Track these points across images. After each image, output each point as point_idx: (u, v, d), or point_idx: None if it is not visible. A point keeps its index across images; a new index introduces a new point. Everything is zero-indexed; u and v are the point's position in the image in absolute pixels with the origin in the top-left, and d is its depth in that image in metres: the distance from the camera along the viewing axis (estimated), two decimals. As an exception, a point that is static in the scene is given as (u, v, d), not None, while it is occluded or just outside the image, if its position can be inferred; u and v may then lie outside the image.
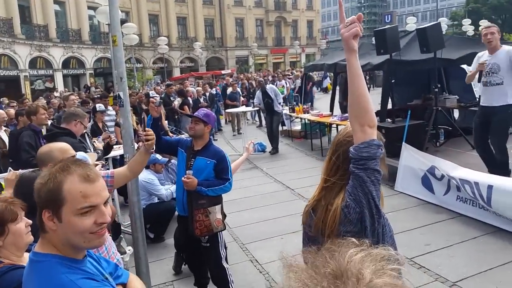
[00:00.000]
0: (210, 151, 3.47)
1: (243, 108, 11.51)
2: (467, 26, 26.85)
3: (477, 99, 7.54)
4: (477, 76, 5.17)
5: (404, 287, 0.65)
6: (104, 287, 1.31)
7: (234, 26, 42.94)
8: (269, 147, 10.02)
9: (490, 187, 4.57)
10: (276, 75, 20.21)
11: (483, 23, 30.10)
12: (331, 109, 10.26)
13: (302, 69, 19.39)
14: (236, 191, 5.23)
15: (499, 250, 4.18)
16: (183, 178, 3.32)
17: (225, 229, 3.51)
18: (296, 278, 0.67)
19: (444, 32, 26.50)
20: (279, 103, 9.92)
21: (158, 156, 5.31)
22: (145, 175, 5.09)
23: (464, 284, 3.64)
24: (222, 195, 3.51)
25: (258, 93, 10.34)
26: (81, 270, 1.29)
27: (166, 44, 26.79)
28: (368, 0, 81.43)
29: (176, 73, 37.30)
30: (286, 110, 11.14)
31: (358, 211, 1.43)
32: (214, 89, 15.35)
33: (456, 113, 9.13)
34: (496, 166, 5.27)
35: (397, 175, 6.29)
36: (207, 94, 13.72)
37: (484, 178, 4.81)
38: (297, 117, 11.17)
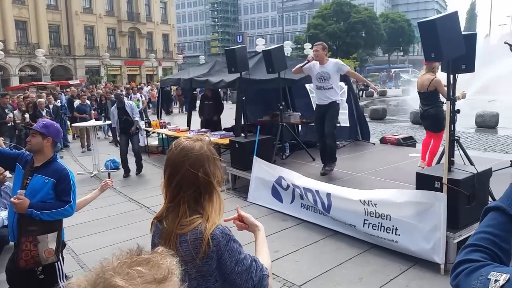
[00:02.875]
0: (50, 168, 3.06)
1: (92, 122, 10.74)
2: (308, 50, 30.13)
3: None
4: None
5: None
6: None
7: (83, 34, 40.03)
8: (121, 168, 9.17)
9: (328, 194, 5.14)
10: (131, 88, 19.42)
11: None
12: (188, 124, 10.32)
13: (159, 83, 19.09)
14: (84, 213, 4.82)
15: (336, 251, 4.70)
16: (11, 199, 2.87)
17: (58, 260, 3.11)
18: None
19: (289, 54, 29.33)
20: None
21: (-14, 179, 4.58)
22: (-32, 202, 4.33)
23: (308, 286, 3.98)
24: (64, 220, 3.13)
25: (114, 110, 8.82)
26: None
27: (1, 50, 23.60)
28: (221, 20, 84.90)
29: (15, 82, 32.99)
30: (142, 125, 10.78)
31: None
32: (59, 100, 14.06)
33: (299, 128, 10.06)
34: (328, 157, 6.38)
35: (250, 187, 6.61)
36: (51, 106, 12.47)
37: (324, 186, 5.38)
38: (153, 132, 10.93)
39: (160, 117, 11.71)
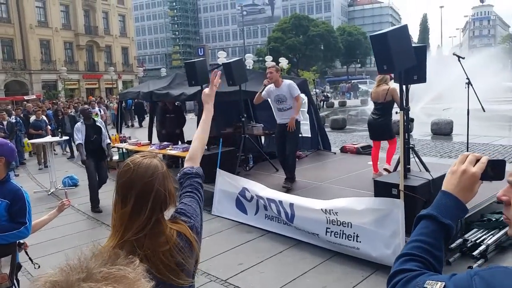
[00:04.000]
0: (4, 189, 2.91)
1: (48, 138, 10.35)
2: (269, 62, 30.57)
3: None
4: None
5: None
6: None
7: (39, 48, 38.77)
8: (79, 192, 8.97)
9: (292, 205, 5.19)
10: (89, 102, 18.92)
11: (282, 60, 34.62)
12: (149, 138, 10.15)
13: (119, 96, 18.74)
14: (40, 232, 4.58)
15: (300, 261, 4.73)
16: None
17: (12, 285, 2.97)
18: None
19: (251, 67, 29.60)
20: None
21: None
22: None
23: (273, 296, 3.98)
24: (17, 242, 2.97)
25: (81, 127, 7.31)
26: None
27: None
28: (182, 33, 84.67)
29: (-36, 98, 31.46)
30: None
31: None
32: (13, 117, 13.49)
33: (262, 140, 10.12)
34: (288, 174, 6.49)
35: (213, 199, 6.57)
36: (5, 122, 11.97)
37: (287, 197, 5.43)
38: (114, 147, 10.66)
39: (120, 131, 11.46)
